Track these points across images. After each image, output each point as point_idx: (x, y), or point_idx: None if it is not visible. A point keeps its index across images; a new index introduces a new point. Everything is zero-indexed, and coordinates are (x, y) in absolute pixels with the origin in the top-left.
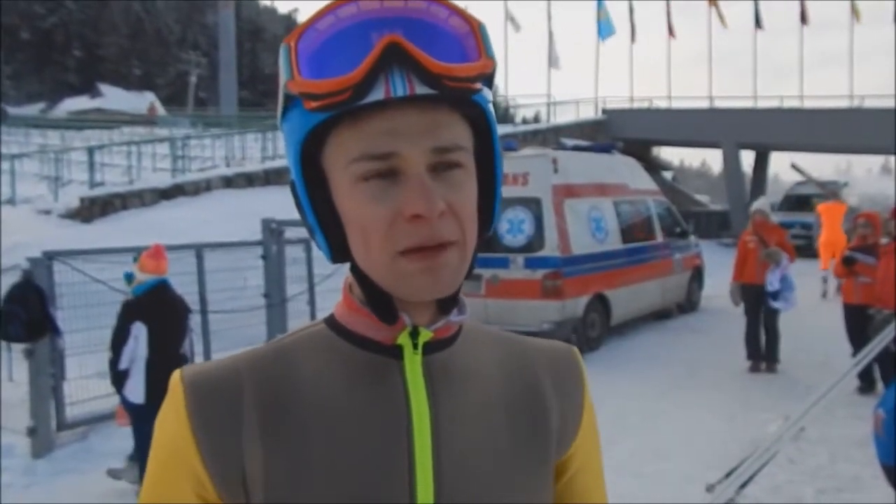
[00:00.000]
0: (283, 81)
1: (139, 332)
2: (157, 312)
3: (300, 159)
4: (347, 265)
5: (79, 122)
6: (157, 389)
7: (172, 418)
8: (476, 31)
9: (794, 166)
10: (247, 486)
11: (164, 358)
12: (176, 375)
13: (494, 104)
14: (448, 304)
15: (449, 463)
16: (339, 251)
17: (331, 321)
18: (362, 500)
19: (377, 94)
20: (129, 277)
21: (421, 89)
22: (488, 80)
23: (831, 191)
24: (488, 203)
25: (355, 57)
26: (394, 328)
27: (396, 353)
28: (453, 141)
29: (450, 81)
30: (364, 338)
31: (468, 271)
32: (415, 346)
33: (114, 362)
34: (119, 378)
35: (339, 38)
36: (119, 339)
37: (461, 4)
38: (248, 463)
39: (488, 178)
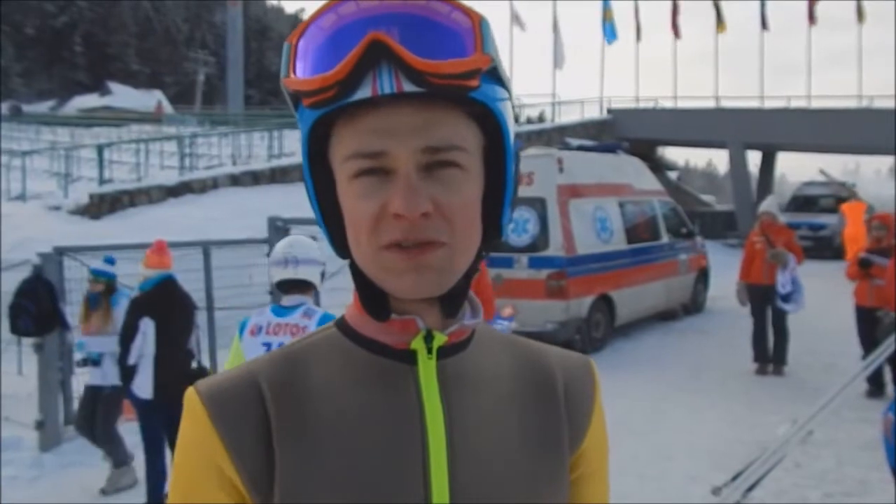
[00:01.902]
0: (281, 78)
1: (147, 327)
2: (165, 308)
3: (308, 154)
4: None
5: (88, 119)
6: (164, 385)
7: (195, 428)
8: (476, 26)
9: (822, 171)
10: (274, 486)
11: (172, 353)
12: (190, 391)
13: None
14: (450, 305)
15: (464, 469)
16: (341, 246)
17: (342, 324)
18: None
19: (365, 92)
20: (97, 273)
21: (409, 87)
22: (495, 77)
23: (852, 192)
24: (497, 206)
25: (342, 56)
26: (407, 332)
27: (409, 357)
28: (448, 140)
29: (436, 78)
30: (376, 342)
31: (470, 273)
32: (429, 351)
33: (122, 358)
34: (127, 374)
35: (337, 35)
36: (127, 335)
37: (468, 3)
38: (274, 463)
39: (498, 180)
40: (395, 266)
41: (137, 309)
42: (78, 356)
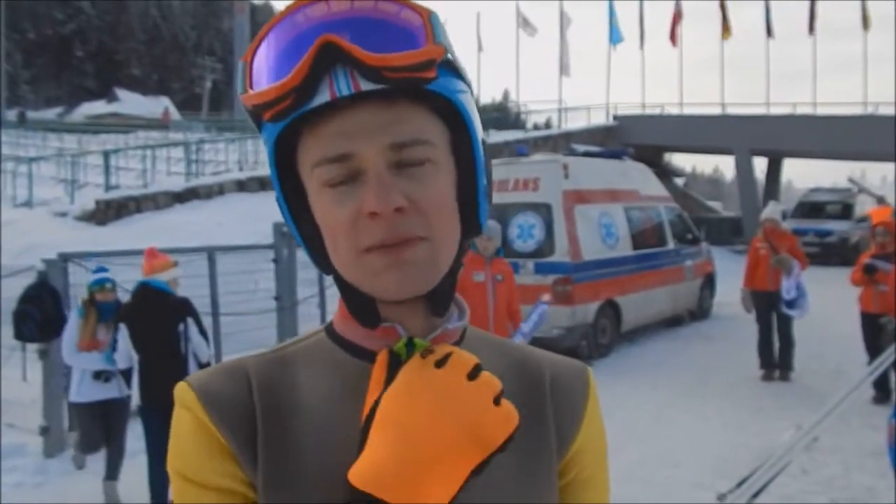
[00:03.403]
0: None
1: (122, 334)
2: (137, 314)
3: (276, 171)
4: None
5: (95, 126)
6: (147, 390)
7: (188, 415)
8: (426, 20)
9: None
10: (257, 474)
11: (153, 360)
12: (181, 384)
13: (504, 108)
14: (438, 305)
15: None
16: (320, 260)
17: (329, 330)
18: None
19: (323, 97)
20: (109, 282)
21: (366, 86)
22: (453, 70)
23: (880, 197)
24: (472, 198)
25: (295, 64)
26: (388, 339)
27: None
28: (413, 135)
29: (390, 72)
30: (361, 347)
31: (454, 269)
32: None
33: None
34: (126, 378)
35: (289, 46)
36: (113, 341)
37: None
38: (258, 454)
39: (469, 172)
40: (376, 267)
41: (117, 316)
42: (97, 368)
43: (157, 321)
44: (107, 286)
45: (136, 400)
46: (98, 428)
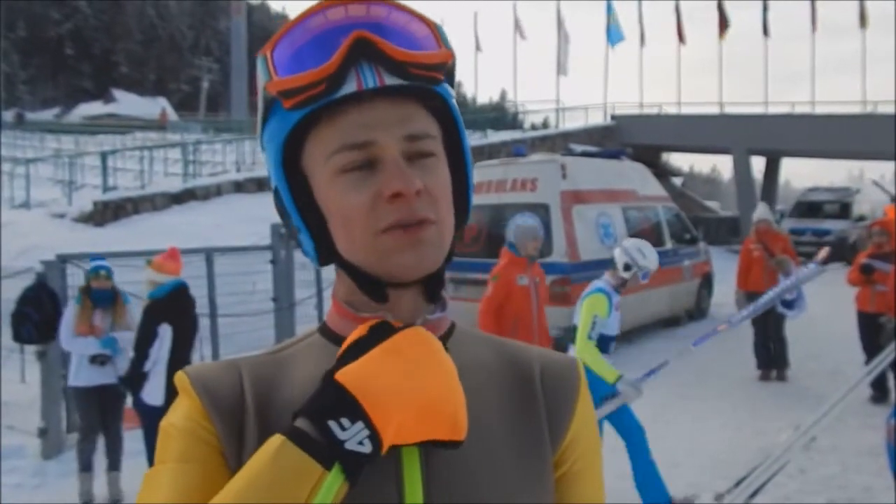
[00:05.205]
0: (260, 86)
1: (165, 333)
2: (179, 314)
3: (282, 163)
4: None
5: (93, 127)
6: (174, 391)
7: (185, 402)
8: (434, 31)
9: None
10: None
11: (181, 359)
12: (180, 373)
13: (501, 108)
14: (433, 290)
15: (440, 467)
16: (324, 250)
17: (323, 329)
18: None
19: (350, 88)
20: (105, 269)
21: (390, 80)
22: (450, 76)
23: (894, 196)
24: (461, 194)
25: (326, 56)
26: None
27: None
28: (423, 129)
29: (415, 69)
30: None
31: (449, 257)
32: None
33: (137, 364)
34: (139, 380)
35: (311, 43)
36: (144, 341)
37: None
38: (245, 444)
39: (459, 170)
40: (395, 246)
41: (155, 314)
42: (94, 352)
43: (191, 323)
44: (101, 273)
45: (152, 401)
46: (95, 412)
